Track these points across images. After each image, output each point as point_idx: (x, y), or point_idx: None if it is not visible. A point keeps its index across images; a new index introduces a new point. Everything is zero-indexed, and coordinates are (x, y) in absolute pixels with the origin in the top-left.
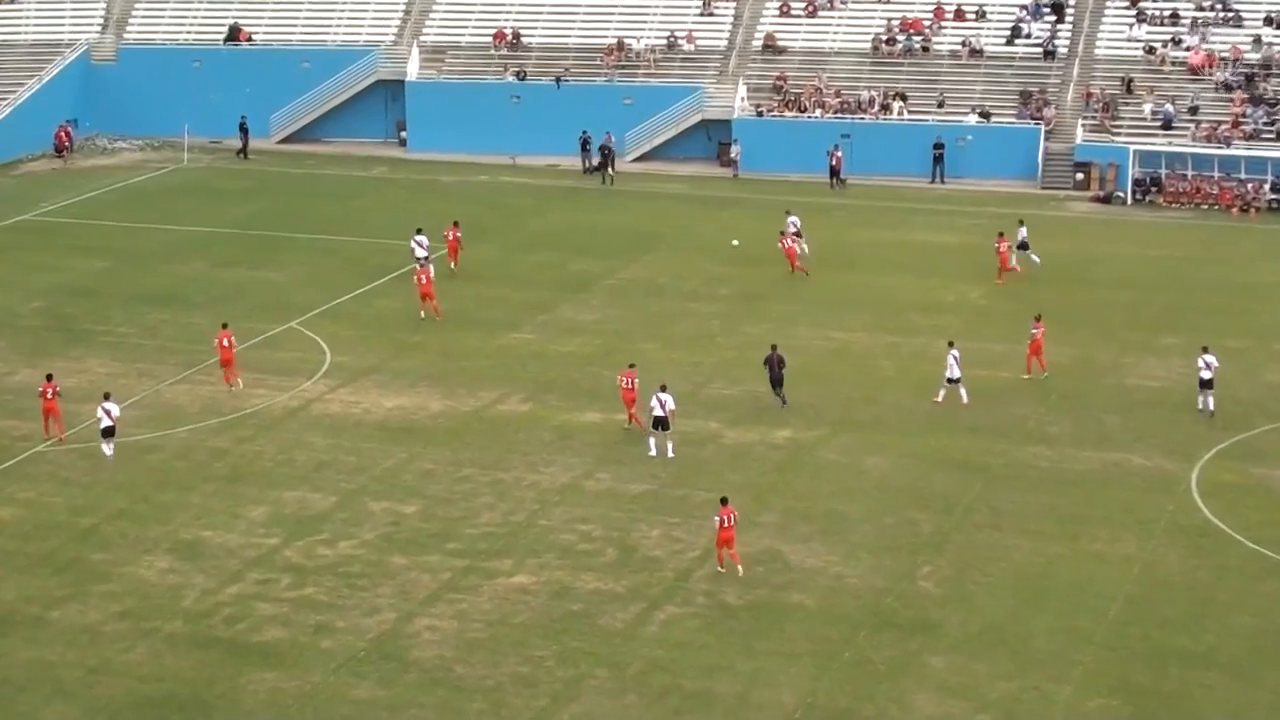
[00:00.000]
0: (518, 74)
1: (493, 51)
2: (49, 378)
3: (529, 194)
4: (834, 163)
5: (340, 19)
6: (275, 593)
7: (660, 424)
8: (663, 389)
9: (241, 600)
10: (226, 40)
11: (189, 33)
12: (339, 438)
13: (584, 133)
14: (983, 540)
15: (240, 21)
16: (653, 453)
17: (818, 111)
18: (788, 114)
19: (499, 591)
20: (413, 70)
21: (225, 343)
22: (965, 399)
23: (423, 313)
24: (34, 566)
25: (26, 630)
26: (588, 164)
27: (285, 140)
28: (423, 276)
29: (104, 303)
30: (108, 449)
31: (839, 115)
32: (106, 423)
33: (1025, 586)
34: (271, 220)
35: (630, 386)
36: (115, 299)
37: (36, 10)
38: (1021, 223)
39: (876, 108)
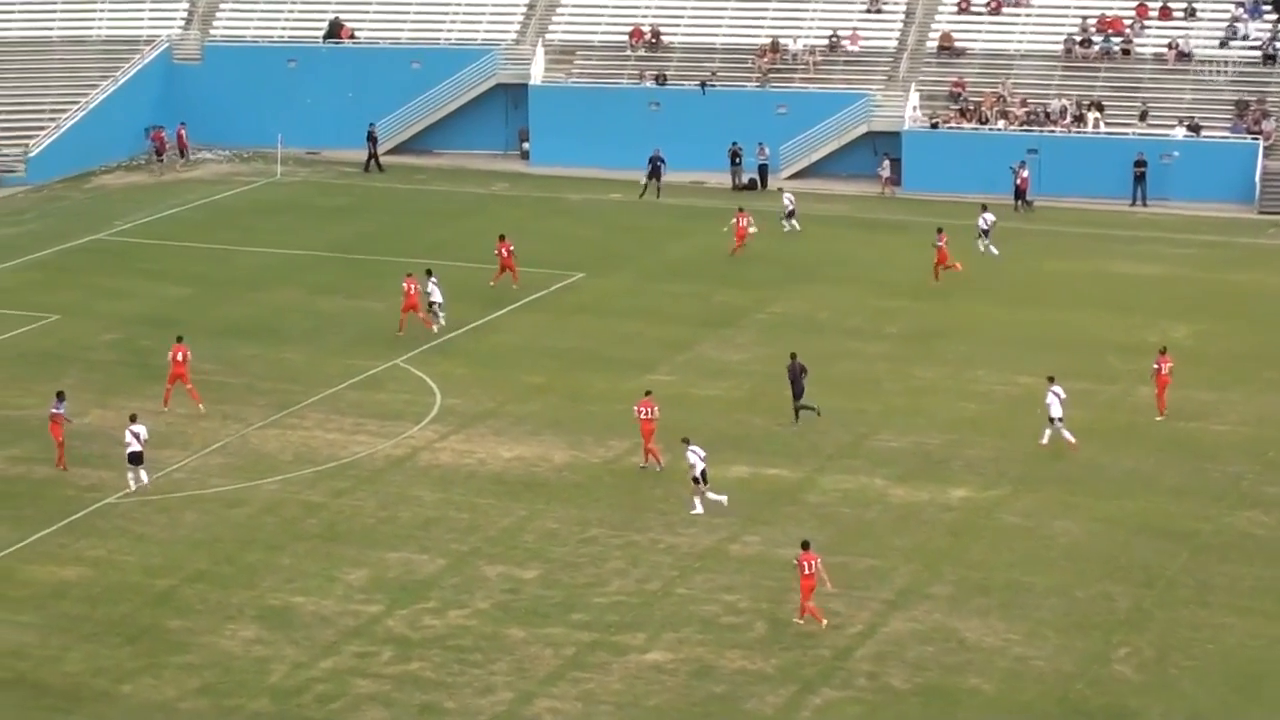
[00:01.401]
0: (657, 78)
1: (629, 52)
2: (59, 396)
3: (668, 215)
4: (1019, 182)
5: (455, 14)
6: (375, 668)
7: (701, 479)
8: (686, 441)
9: (337, 676)
10: (326, 37)
11: (283, 29)
12: (450, 492)
13: (733, 144)
14: (1188, 618)
15: (342, 16)
16: (698, 510)
17: (1000, 123)
18: (966, 126)
19: (630, 670)
20: (537, 73)
21: (180, 356)
22: (1047, 438)
23: (401, 331)
24: (103, 634)
25: (94, 706)
26: (737, 180)
27: (391, 151)
28: (410, 286)
29: (185, 335)
30: (132, 479)
31: (1025, 128)
32: (135, 447)
33: (1238, 673)
34: (374, 242)
35: (649, 417)
36: (198, 331)
37: (112, 2)
38: (985, 208)
39: (1068, 119)
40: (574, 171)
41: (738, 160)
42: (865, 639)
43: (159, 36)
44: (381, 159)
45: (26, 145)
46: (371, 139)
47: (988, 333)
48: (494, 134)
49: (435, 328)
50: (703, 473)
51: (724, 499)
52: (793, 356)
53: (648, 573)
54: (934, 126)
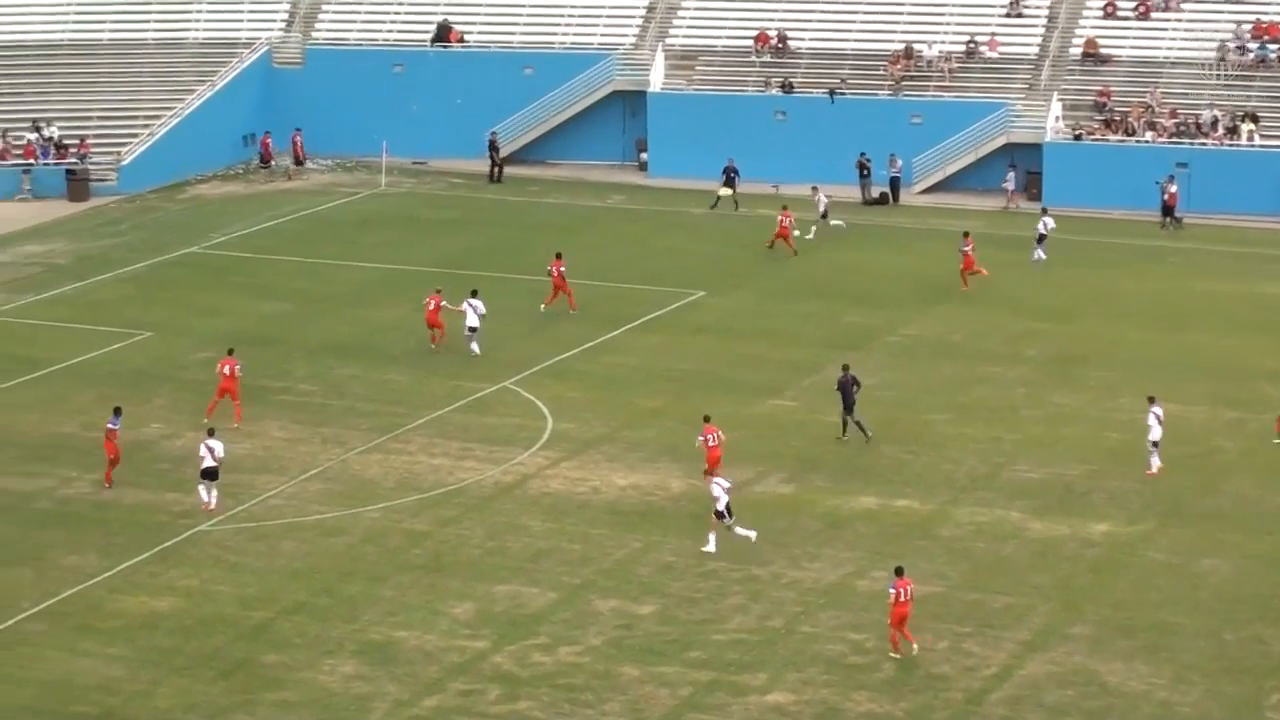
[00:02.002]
0: (783, 85)
1: (753, 58)
2: (117, 411)
3: (793, 230)
4: (1166, 198)
5: (570, 18)
6: (481, 706)
7: (726, 513)
8: (709, 473)
9: (441, 714)
10: (434, 41)
11: (389, 32)
12: (561, 521)
13: (862, 155)
14: None
15: (451, 19)
16: (710, 548)
17: (1148, 135)
18: (1111, 137)
19: (751, 712)
20: (656, 79)
21: (228, 370)
22: (1155, 467)
23: (434, 345)
24: (195, 668)
25: None
26: (867, 194)
27: (503, 161)
28: (431, 302)
29: (283, 354)
30: (205, 494)
31: (1174, 140)
32: (209, 462)
33: None
34: (483, 257)
35: (716, 444)
36: (297, 349)
37: (209, 4)
38: (1045, 210)
39: (1221, 131)
40: (694, 184)
41: (866, 173)
42: (1001, 682)
43: (258, 39)
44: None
45: (119, 153)
46: (493, 147)
47: (1132, 357)
48: (610, 144)
49: (476, 347)
50: (727, 506)
51: (753, 535)
52: (845, 368)
53: (770, 609)
54: (1077, 138)
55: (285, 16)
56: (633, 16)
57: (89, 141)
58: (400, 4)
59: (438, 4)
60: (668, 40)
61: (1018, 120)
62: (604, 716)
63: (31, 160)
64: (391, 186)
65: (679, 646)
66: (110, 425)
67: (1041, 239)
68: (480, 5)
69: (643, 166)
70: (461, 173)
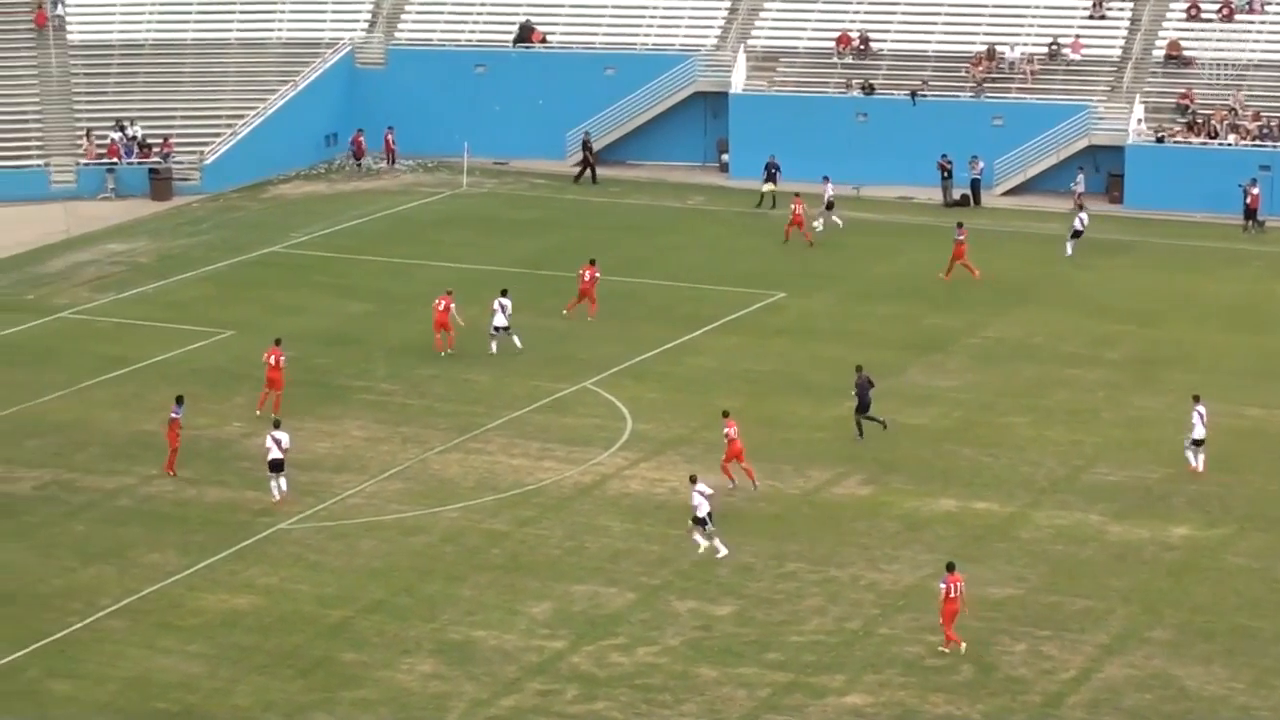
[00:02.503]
0: (864, 87)
1: (835, 59)
2: (179, 400)
3: (874, 232)
4: (1249, 200)
5: (653, 19)
6: (559, 706)
7: (707, 520)
8: (694, 480)
9: (519, 715)
10: (516, 42)
11: (471, 32)
12: (639, 522)
13: (943, 157)
14: None
15: (533, 20)
16: (702, 551)
17: (1231, 138)
18: (1194, 140)
19: (828, 713)
20: (738, 81)
21: (273, 360)
22: (1200, 466)
23: (444, 351)
24: (274, 666)
25: None
26: (948, 196)
27: (583, 162)
28: (441, 303)
29: (364, 353)
30: (275, 487)
31: (1258, 143)
32: (275, 454)
33: None
34: (564, 258)
35: (737, 437)
36: (377, 349)
37: (293, 4)
38: (1082, 207)
39: None
40: (776, 186)
41: (948, 174)
42: (1079, 685)
43: (341, 39)
44: (574, 169)
45: (202, 153)
46: (587, 148)
47: (1214, 361)
48: (691, 145)
49: (518, 341)
50: (709, 514)
51: (724, 551)
52: (858, 369)
53: (848, 611)
54: (1159, 140)
55: (368, 17)
56: (715, 18)
57: (172, 141)
58: (483, 5)
59: (520, 4)
60: (749, 41)
61: (1100, 122)
62: (681, 717)
63: (115, 159)
64: (473, 187)
65: (757, 648)
66: (173, 414)
67: (1076, 234)
68: (563, 6)
69: (723, 168)
70: (542, 173)
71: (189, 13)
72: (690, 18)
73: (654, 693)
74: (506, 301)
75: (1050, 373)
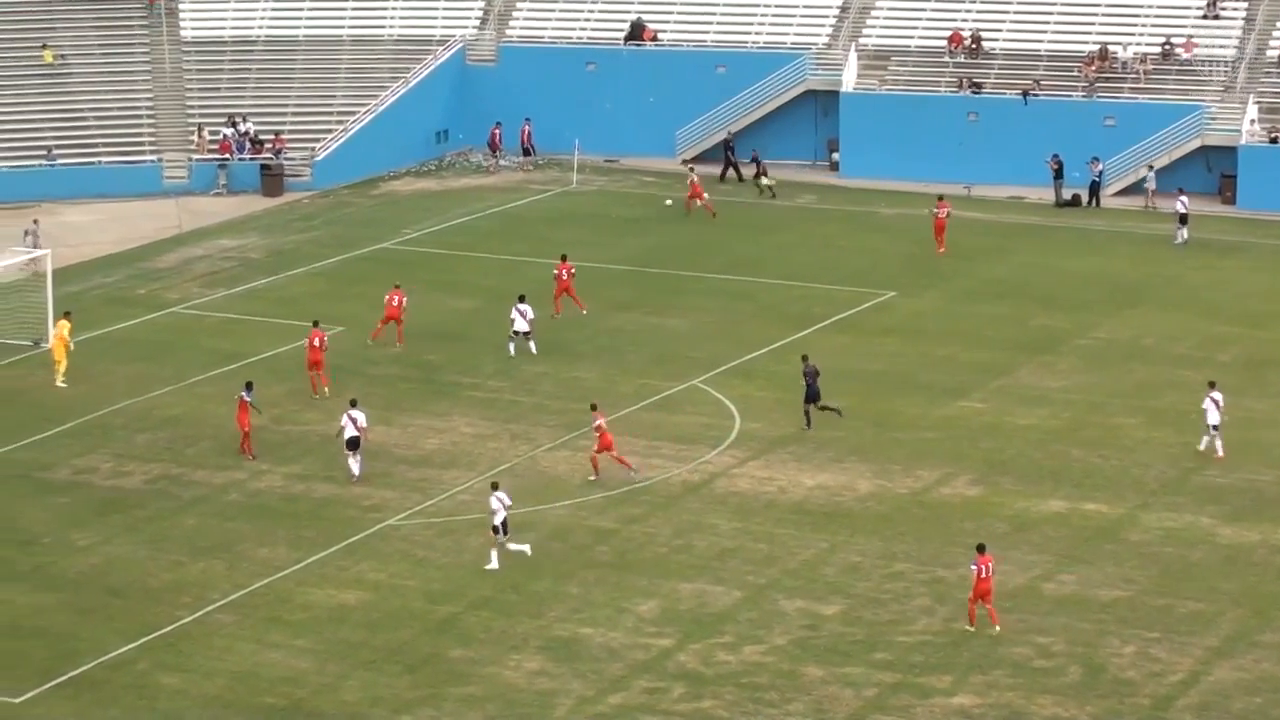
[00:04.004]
0: (974, 86)
1: (946, 58)
2: (248, 386)
3: (985, 231)
4: None
5: (764, 17)
6: (665, 704)
7: (501, 529)
8: (495, 486)
9: (625, 712)
10: (627, 39)
11: (583, 30)
12: (747, 521)
13: (1054, 157)
14: None
15: (645, 18)
16: (494, 565)
17: None
18: None
19: (935, 714)
20: (849, 79)
21: (316, 342)
22: (1220, 452)
23: (372, 340)
24: (382, 662)
25: None
26: (1060, 196)
27: (693, 160)
28: (394, 299)
29: (473, 350)
30: (354, 465)
31: None
32: (351, 432)
33: None
34: (673, 256)
35: (606, 428)
36: (485, 346)
37: (405, 1)
38: (1181, 190)
39: None
40: (886, 184)
41: (1060, 174)
42: (1187, 688)
43: (453, 36)
44: (682, 168)
45: (313, 149)
46: (728, 148)
47: None
48: (802, 143)
49: (534, 347)
50: (504, 522)
51: (526, 548)
52: (804, 358)
53: (956, 611)
54: (1273, 141)
55: (480, 14)
56: (826, 16)
57: (284, 137)
58: (594, 2)
59: (631, 2)
60: (861, 40)
61: (1212, 123)
62: (788, 716)
63: (227, 155)
64: (583, 184)
65: (864, 647)
66: (243, 397)
67: (1184, 219)
68: (674, 4)
69: (834, 166)
70: (652, 171)
71: (301, 9)
72: (802, 16)
73: (760, 691)
74: (525, 307)
75: (1161, 374)
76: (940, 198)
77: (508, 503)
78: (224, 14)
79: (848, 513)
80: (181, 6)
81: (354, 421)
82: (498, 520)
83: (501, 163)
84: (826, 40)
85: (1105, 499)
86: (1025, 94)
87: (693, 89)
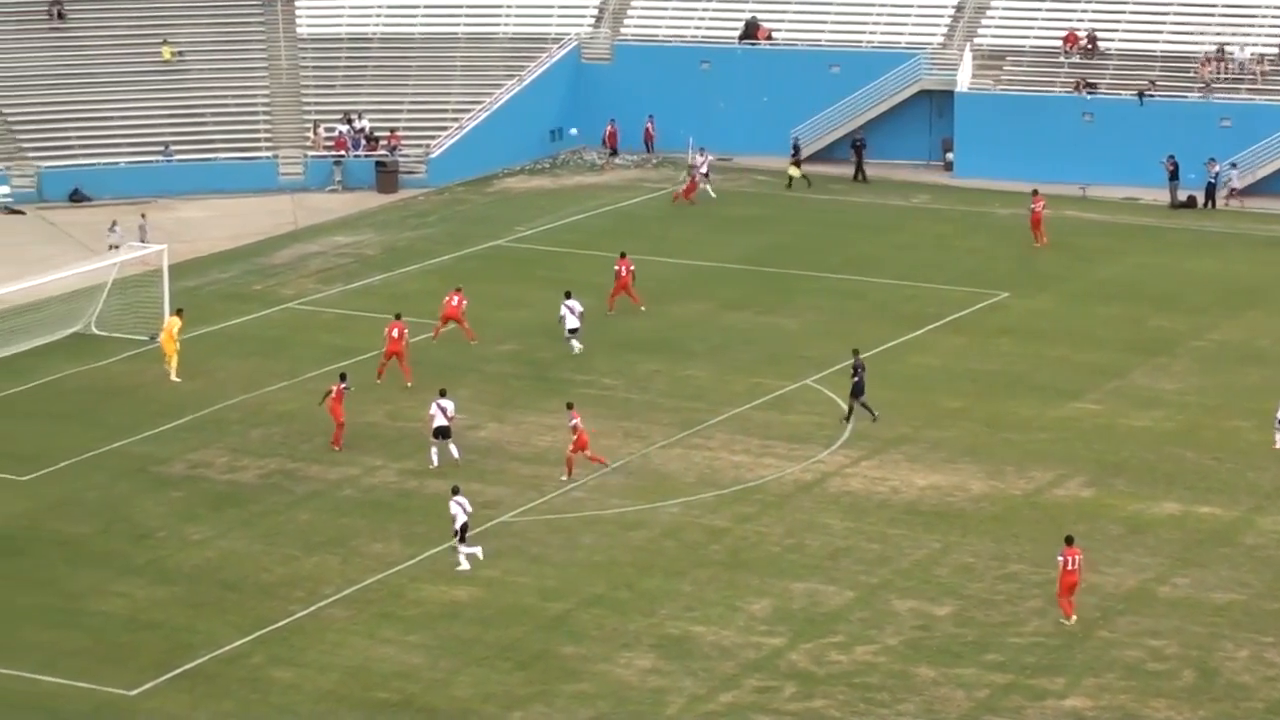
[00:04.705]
0: (1090, 86)
1: (1061, 58)
2: (342, 376)
3: (1100, 232)
4: None
5: (879, 16)
6: (776, 703)
7: (461, 534)
8: (455, 491)
9: (736, 711)
10: (742, 38)
11: (697, 28)
12: (860, 520)
13: (1169, 158)
14: None
15: (759, 17)
16: (464, 567)
17: None
18: None
19: (1047, 716)
20: (964, 79)
21: (395, 334)
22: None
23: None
24: (494, 658)
25: None
26: (1176, 197)
27: (807, 160)
28: (453, 299)
29: (586, 348)
30: (453, 452)
31: None
32: (440, 421)
33: None
34: (786, 255)
35: (582, 426)
36: (599, 343)
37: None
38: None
39: None
40: (1000, 184)
41: (1175, 175)
42: None
43: (567, 35)
44: (800, 166)
45: (428, 146)
46: (856, 148)
47: None
48: (916, 143)
49: (577, 345)
50: (463, 526)
51: (478, 550)
52: (855, 353)
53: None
54: None
55: (595, 12)
56: (941, 15)
57: (399, 134)
58: (709, 1)
59: (746, 1)
60: (976, 40)
61: None
62: (899, 717)
63: (343, 152)
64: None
65: (976, 648)
66: (342, 387)
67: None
68: (789, 2)
69: (948, 166)
70: (765, 170)
71: (417, 6)
72: (917, 15)
73: (872, 691)
74: (574, 303)
75: (1276, 377)
76: (1035, 192)
77: (468, 509)
78: (340, 12)
79: (960, 513)
80: (298, 4)
81: (443, 411)
82: (458, 524)
83: (616, 161)
84: (941, 40)
85: (1220, 502)
86: (1141, 95)
87: (807, 88)
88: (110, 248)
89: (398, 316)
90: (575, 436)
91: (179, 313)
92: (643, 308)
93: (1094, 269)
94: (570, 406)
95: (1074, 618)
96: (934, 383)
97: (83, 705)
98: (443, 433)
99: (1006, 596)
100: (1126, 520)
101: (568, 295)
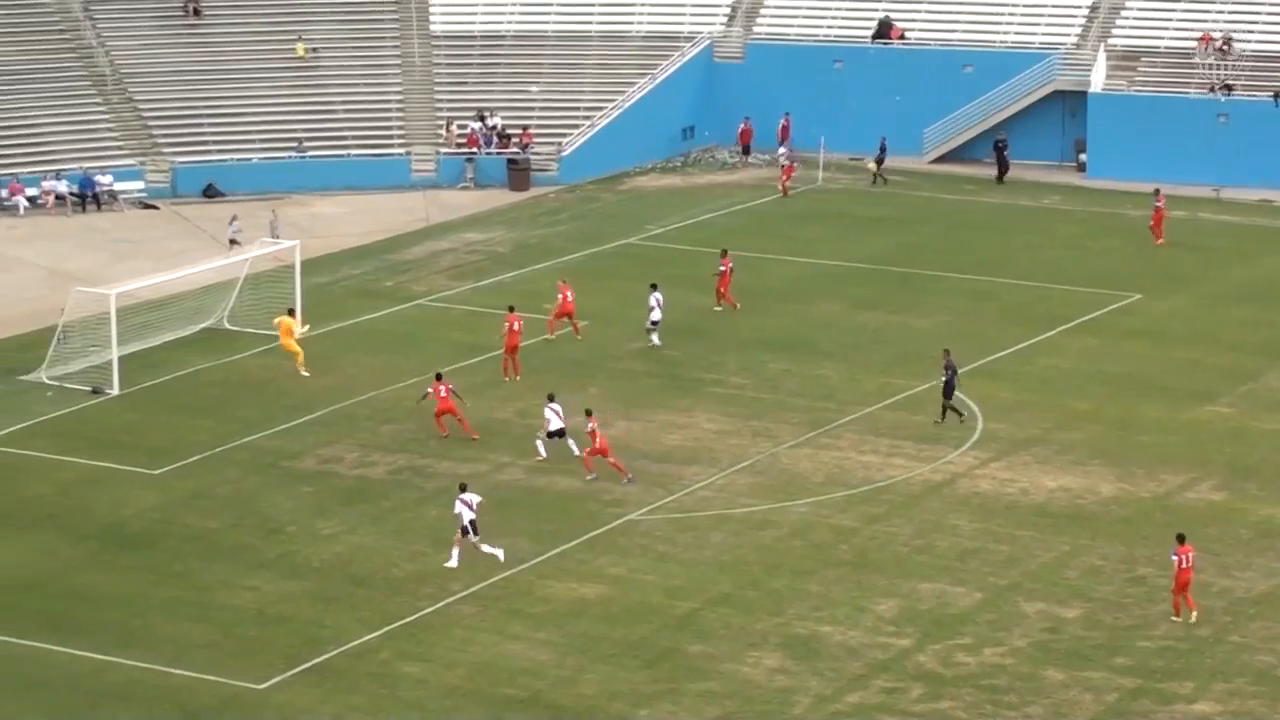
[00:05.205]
0: (1225, 87)
1: (1196, 59)
2: (438, 376)
3: (1234, 234)
4: None
5: (1013, 16)
6: (903, 704)
7: (471, 530)
8: (463, 488)
9: (863, 711)
10: (875, 37)
11: (830, 27)
12: (989, 522)
13: None
14: None
15: (893, 16)
16: (453, 563)
17: None
18: None
19: None
20: (1097, 80)
21: (516, 326)
22: None
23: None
24: (621, 656)
25: None
26: None
27: (939, 160)
28: (567, 293)
29: (716, 346)
30: (542, 446)
31: None
32: (556, 424)
33: None
34: (918, 255)
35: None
36: (729, 342)
37: None
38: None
39: None
40: (1133, 185)
41: None
42: None
43: (700, 33)
44: (929, 167)
45: (560, 144)
46: (998, 149)
47: None
48: (1049, 143)
49: (655, 339)
50: (472, 523)
51: (500, 553)
52: (946, 353)
53: (1199, 617)
54: None
55: (727, 11)
56: (1075, 15)
57: (531, 131)
58: (842, 0)
59: (880, 0)
60: (1110, 40)
61: None
62: (1026, 718)
63: (475, 149)
64: (828, 182)
65: (1105, 651)
66: (448, 387)
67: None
68: (922, 2)
69: (1081, 167)
70: (897, 170)
71: (550, 4)
72: (1051, 15)
73: (999, 694)
74: (660, 295)
75: None
76: (1156, 191)
77: (475, 503)
78: (474, 9)
79: (1090, 515)
80: (432, 1)
81: (557, 414)
82: (465, 521)
83: (749, 160)
84: (1076, 40)
85: None
86: (1276, 96)
87: (939, 88)
88: (231, 243)
89: (511, 309)
90: (594, 442)
91: (290, 312)
92: (719, 307)
93: (1227, 271)
94: (589, 413)
95: (1195, 614)
96: (1065, 384)
97: (212, 699)
98: (558, 435)
99: (1135, 600)
100: (1258, 524)
101: (654, 287)
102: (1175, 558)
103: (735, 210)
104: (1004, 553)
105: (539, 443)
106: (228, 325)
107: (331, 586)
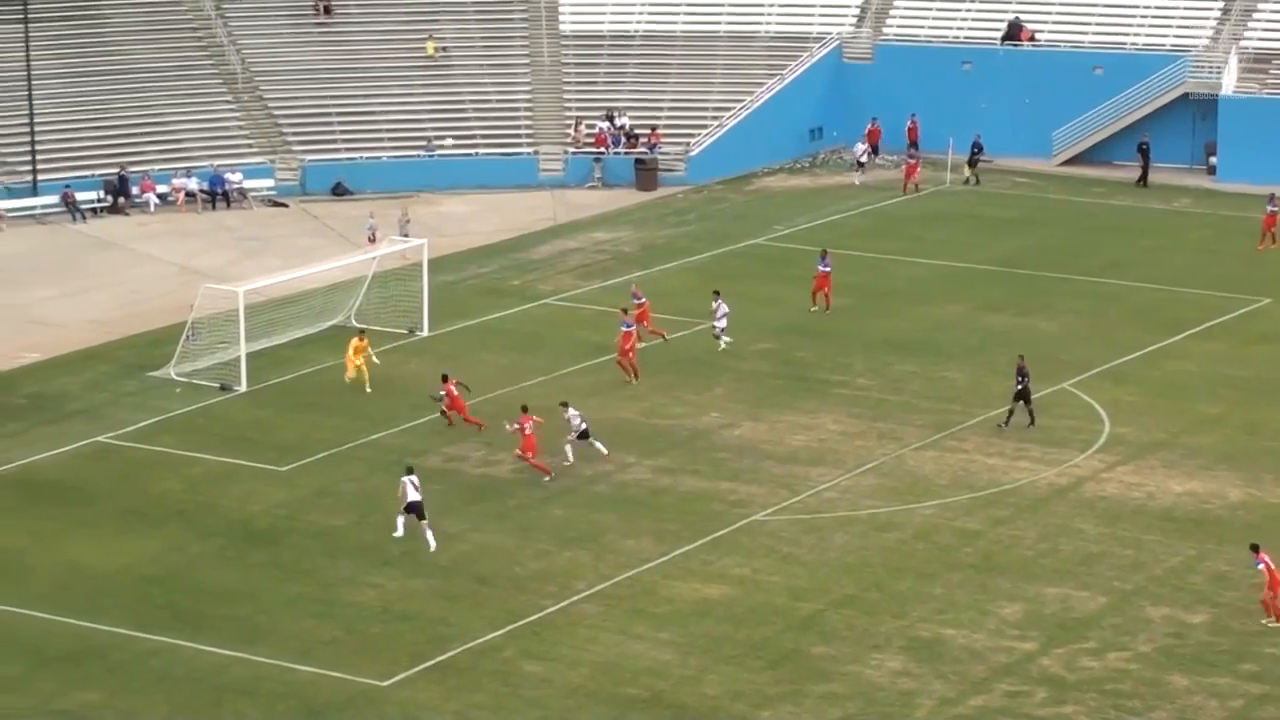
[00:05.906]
0: None
1: None
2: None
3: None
4: None
5: (1143, 18)
6: (1027, 708)
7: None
8: (408, 470)
9: (986, 715)
10: (1004, 39)
11: (960, 29)
12: (1115, 526)
13: None
14: None
15: (1023, 17)
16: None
17: None
18: None
19: None
20: (1229, 83)
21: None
22: None
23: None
24: (744, 656)
25: None
26: None
27: (1068, 162)
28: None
29: (842, 347)
30: (570, 450)
31: None
32: (580, 425)
33: None
34: (1045, 258)
35: (532, 431)
36: (855, 343)
37: None
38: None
39: None
40: (1264, 189)
41: None
42: None
43: (829, 34)
44: (1058, 169)
45: (688, 144)
46: (1142, 151)
47: None
48: (1179, 146)
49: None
50: (416, 504)
51: (430, 538)
52: (1020, 358)
53: None
54: None
55: (857, 12)
56: (1207, 18)
57: (659, 131)
58: (972, 1)
59: (1009, 2)
60: (1242, 43)
61: None
62: None
63: (603, 149)
64: (956, 184)
65: (1231, 658)
66: (458, 386)
67: None
68: (1052, 3)
69: (1211, 171)
70: (1026, 171)
71: (679, 4)
72: (1183, 16)
73: (1123, 699)
74: (721, 302)
75: None
76: (1272, 196)
77: (418, 485)
78: (603, 8)
79: (1217, 520)
80: (561, 1)
81: (581, 418)
82: (409, 500)
83: (877, 160)
84: (1208, 42)
85: None
86: None
87: (1068, 90)
88: (369, 240)
89: (625, 311)
90: (523, 439)
91: (361, 334)
92: (827, 309)
93: None
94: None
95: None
96: (1192, 389)
97: (337, 695)
98: (584, 435)
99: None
100: None
101: (716, 294)
102: (1261, 566)
103: (862, 211)
104: (1129, 557)
105: (567, 447)
106: (355, 323)
107: (455, 584)
